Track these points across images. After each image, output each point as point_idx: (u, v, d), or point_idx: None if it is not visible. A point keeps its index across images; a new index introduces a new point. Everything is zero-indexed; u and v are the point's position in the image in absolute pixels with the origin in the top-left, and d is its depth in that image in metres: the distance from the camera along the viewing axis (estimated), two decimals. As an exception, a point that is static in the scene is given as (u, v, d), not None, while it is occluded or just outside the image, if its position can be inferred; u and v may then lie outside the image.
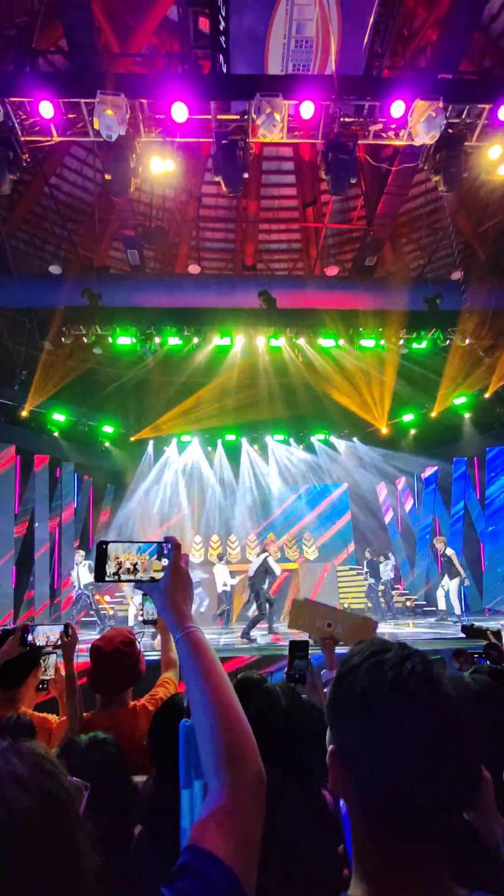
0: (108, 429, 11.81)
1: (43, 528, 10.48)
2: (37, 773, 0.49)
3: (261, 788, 0.69)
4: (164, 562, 0.92)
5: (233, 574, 10.37)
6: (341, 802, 0.72)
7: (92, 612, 9.38)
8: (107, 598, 11.40)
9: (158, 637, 2.66)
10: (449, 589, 9.07)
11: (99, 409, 11.18)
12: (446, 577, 9.15)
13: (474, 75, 7.77)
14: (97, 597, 9.83)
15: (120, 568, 0.94)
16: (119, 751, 1.44)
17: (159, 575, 0.91)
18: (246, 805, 0.66)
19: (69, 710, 1.95)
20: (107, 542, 0.95)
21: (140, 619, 2.27)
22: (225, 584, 9.93)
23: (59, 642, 2.09)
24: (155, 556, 0.94)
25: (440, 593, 9.33)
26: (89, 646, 2.05)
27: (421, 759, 0.58)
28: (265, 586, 8.45)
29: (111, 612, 11.00)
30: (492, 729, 1.22)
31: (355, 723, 0.63)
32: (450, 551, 9.11)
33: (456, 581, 8.99)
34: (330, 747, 0.68)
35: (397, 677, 0.62)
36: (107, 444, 12.13)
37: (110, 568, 0.94)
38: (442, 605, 9.33)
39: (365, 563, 10.90)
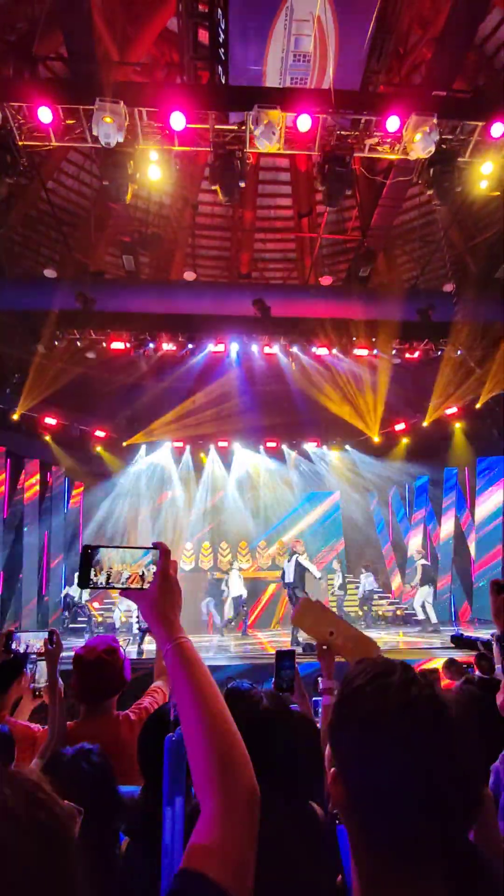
0: (100, 433, 11.75)
1: (32, 532, 10.36)
2: (30, 807, 0.46)
3: (255, 805, 0.66)
4: (153, 569, 0.87)
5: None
6: (339, 828, 0.71)
7: (83, 619, 9.25)
8: (95, 604, 11.28)
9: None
10: (423, 598, 9.17)
11: (91, 413, 11.13)
12: (428, 585, 9.22)
13: (468, 93, 7.95)
14: (88, 603, 9.73)
15: (107, 574, 0.89)
16: (106, 761, 1.42)
17: (146, 583, 0.87)
18: (240, 823, 0.63)
19: (51, 719, 1.92)
20: (92, 547, 0.90)
21: (136, 625, 2.25)
22: (239, 591, 9.85)
23: (43, 650, 2.06)
24: (143, 562, 0.89)
25: (417, 603, 9.39)
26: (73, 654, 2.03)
27: (426, 781, 0.58)
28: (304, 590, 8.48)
29: (100, 619, 10.88)
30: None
31: (359, 745, 0.63)
32: (425, 561, 9.25)
33: (428, 589, 9.09)
34: (332, 769, 0.67)
35: (404, 701, 0.61)
36: (98, 448, 12.06)
37: (95, 573, 0.89)
38: (421, 615, 9.40)
39: (338, 574, 11.02)
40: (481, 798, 0.65)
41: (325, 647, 1.64)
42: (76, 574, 9.17)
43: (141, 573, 0.90)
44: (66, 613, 9.35)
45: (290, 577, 8.40)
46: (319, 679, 1.70)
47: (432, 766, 0.58)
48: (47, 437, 10.82)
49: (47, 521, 10.97)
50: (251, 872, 0.61)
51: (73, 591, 9.31)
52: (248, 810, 0.65)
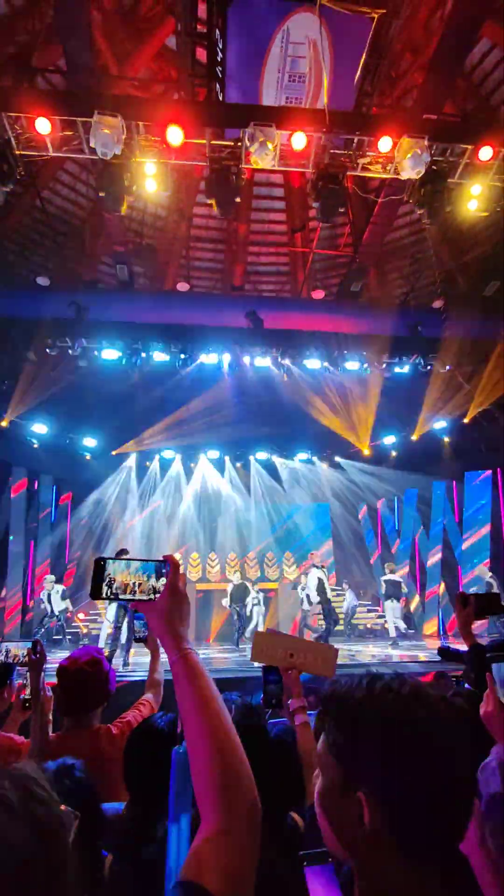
0: (89, 442, 11.67)
1: (18, 541, 10.20)
2: (28, 800, 0.48)
3: (256, 819, 0.66)
4: (162, 581, 0.90)
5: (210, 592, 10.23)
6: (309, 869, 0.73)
7: (61, 636, 9.05)
8: (80, 615, 11.09)
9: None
10: (390, 612, 9.20)
11: (81, 422, 11.06)
12: (392, 600, 9.26)
13: (457, 117, 8.20)
14: (75, 615, 9.56)
15: (117, 586, 0.91)
16: (89, 777, 1.39)
17: (155, 595, 0.89)
18: (240, 837, 0.63)
19: (32, 730, 1.89)
20: (104, 559, 0.93)
21: (136, 636, 2.22)
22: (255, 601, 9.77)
23: (27, 659, 2.03)
24: (152, 576, 0.91)
25: (389, 617, 9.38)
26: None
27: (448, 762, 0.62)
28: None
29: (85, 631, 10.69)
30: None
31: (380, 745, 0.64)
32: (397, 577, 9.32)
33: (393, 604, 9.15)
34: (327, 779, 0.68)
35: (415, 692, 0.65)
36: (88, 457, 11.96)
37: (107, 586, 0.91)
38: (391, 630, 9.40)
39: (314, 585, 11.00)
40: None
41: (288, 670, 1.67)
42: (62, 593, 9.03)
43: (143, 584, 0.92)
44: (40, 627, 9.11)
45: (314, 596, 8.43)
46: (290, 701, 1.71)
47: (452, 747, 0.62)
48: (36, 445, 10.71)
49: (34, 529, 10.81)
50: (251, 886, 0.61)
51: (60, 609, 9.13)
52: (250, 824, 0.65)
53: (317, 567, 8.73)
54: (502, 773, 1.14)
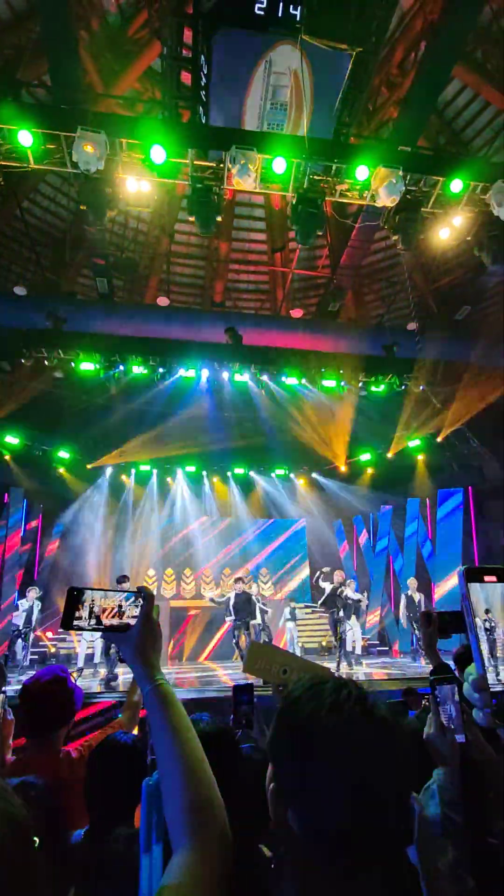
0: (63, 454, 11.45)
1: (-15, 556, 9.85)
2: (3, 802, 0.48)
3: (228, 847, 0.67)
4: (134, 611, 0.90)
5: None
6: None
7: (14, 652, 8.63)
8: (49, 633, 10.72)
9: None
10: (353, 629, 9.28)
11: (55, 434, 10.85)
12: (353, 619, 9.32)
13: (430, 150, 8.59)
14: (39, 633, 9.20)
15: (90, 616, 0.91)
16: (50, 798, 1.34)
17: (126, 625, 0.90)
18: (213, 864, 0.64)
19: None
20: (77, 589, 0.93)
21: (118, 656, 2.16)
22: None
23: None
24: (125, 605, 0.92)
25: (349, 635, 9.41)
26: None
27: (358, 778, 0.60)
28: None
29: (52, 651, 10.33)
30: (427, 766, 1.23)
31: (296, 751, 0.64)
32: (356, 595, 9.45)
33: (352, 621, 9.26)
34: (270, 785, 0.67)
35: (335, 703, 0.64)
36: (61, 470, 11.72)
37: (79, 615, 0.91)
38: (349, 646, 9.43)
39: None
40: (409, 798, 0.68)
41: (281, 687, 1.64)
42: (36, 601, 8.69)
43: (119, 608, 0.92)
44: (8, 648, 8.72)
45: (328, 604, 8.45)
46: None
47: (362, 762, 0.60)
48: (7, 457, 10.44)
49: (1, 543, 10.46)
50: None
51: (34, 617, 8.77)
52: (222, 853, 0.66)
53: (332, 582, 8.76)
54: (440, 796, 1.12)
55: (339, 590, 9.09)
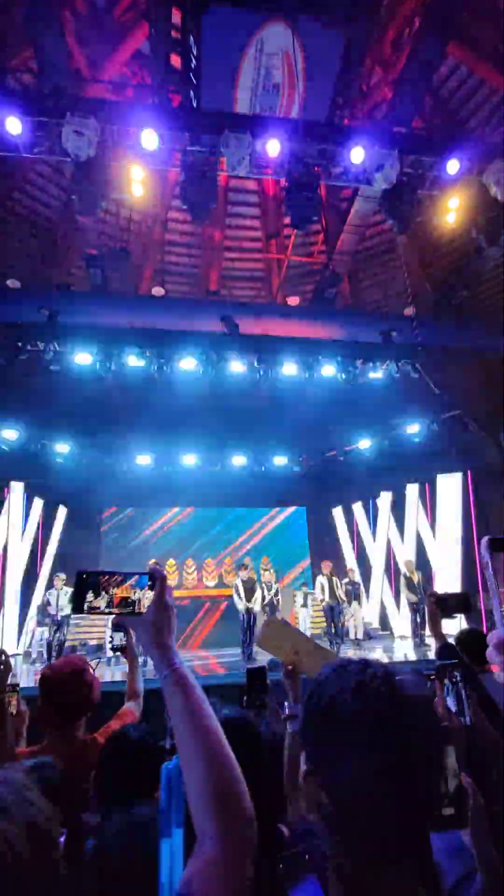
0: (62, 448, 11.42)
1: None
2: (19, 801, 0.49)
3: (252, 834, 0.67)
4: (149, 594, 0.87)
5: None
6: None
7: (50, 643, 8.66)
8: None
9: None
10: (355, 615, 9.37)
11: (54, 427, 10.81)
12: (355, 604, 9.40)
13: (425, 131, 8.47)
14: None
15: (101, 600, 0.89)
16: (61, 777, 1.36)
17: (141, 608, 0.87)
18: (238, 852, 0.64)
19: None
20: (87, 572, 0.90)
21: (113, 646, 2.18)
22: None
23: None
24: (137, 588, 0.89)
25: (350, 620, 9.51)
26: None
27: (384, 755, 0.60)
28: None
29: (89, 641, 10.40)
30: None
31: (325, 734, 0.65)
32: (358, 580, 9.53)
33: (359, 607, 9.35)
34: (303, 768, 0.68)
35: (359, 683, 0.65)
36: (60, 463, 11.70)
37: (90, 599, 0.89)
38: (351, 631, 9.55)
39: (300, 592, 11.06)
40: (437, 774, 0.68)
41: (290, 667, 1.63)
42: (65, 587, 8.66)
43: (129, 597, 0.89)
44: (46, 634, 8.70)
45: (327, 598, 8.56)
46: (286, 703, 1.68)
47: (388, 743, 0.61)
48: (6, 451, 10.41)
49: (3, 538, 10.48)
50: None
51: (63, 605, 8.73)
52: (246, 837, 0.66)
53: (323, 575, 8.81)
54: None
55: (332, 580, 9.19)
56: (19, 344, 8.49)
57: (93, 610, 0.89)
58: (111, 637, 2.28)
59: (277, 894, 1.03)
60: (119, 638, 2.20)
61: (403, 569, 9.72)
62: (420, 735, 0.62)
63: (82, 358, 8.86)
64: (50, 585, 9.17)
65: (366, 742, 0.61)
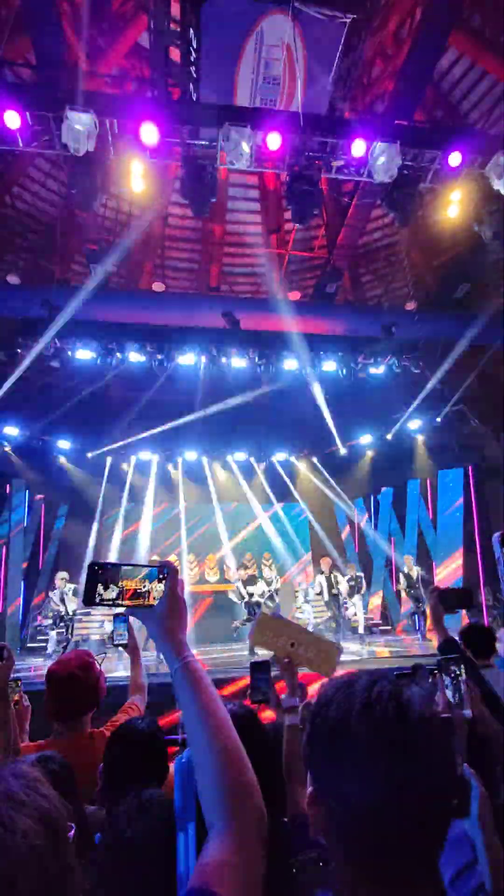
0: (63, 445, 11.43)
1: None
2: (33, 794, 0.50)
3: (263, 826, 0.67)
4: (160, 587, 0.87)
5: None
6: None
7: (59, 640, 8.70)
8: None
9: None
10: (356, 605, 9.39)
11: (54, 424, 10.81)
12: (357, 598, 9.42)
13: (427, 124, 8.39)
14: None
15: (112, 592, 0.88)
16: (67, 770, 1.36)
17: (152, 601, 0.86)
18: (250, 844, 0.64)
19: (2, 738, 1.83)
20: (98, 564, 0.89)
21: (110, 641, 2.18)
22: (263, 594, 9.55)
23: None
24: (148, 581, 0.88)
25: (351, 612, 9.54)
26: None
27: (393, 779, 0.57)
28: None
29: (95, 635, 10.45)
30: None
31: (330, 755, 0.62)
32: (360, 575, 9.57)
33: (359, 600, 9.38)
34: (309, 789, 0.66)
35: (366, 702, 0.61)
36: (62, 459, 11.71)
37: (101, 592, 0.88)
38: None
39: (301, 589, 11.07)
40: (451, 794, 0.65)
41: (287, 660, 1.61)
42: (75, 591, 8.67)
43: (140, 590, 0.88)
44: (51, 630, 8.73)
45: (326, 596, 8.64)
46: (283, 697, 1.66)
47: (397, 763, 0.57)
48: (7, 448, 10.43)
49: (5, 535, 10.51)
50: (259, 893, 0.62)
51: (74, 609, 8.77)
52: (258, 831, 0.66)
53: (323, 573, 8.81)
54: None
55: (332, 577, 9.20)
56: (19, 340, 8.48)
57: (104, 602, 0.88)
58: (111, 631, 2.26)
59: (289, 888, 1.03)
60: (121, 632, 2.20)
61: (403, 565, 9.75)
62: (431, 756, 0.59)
63: (83, 354, 8.84)
64: (53, 587, 9.20)
65: (374, 764, 0.58)
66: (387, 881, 0.58)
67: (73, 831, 0.56)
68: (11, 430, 10.15)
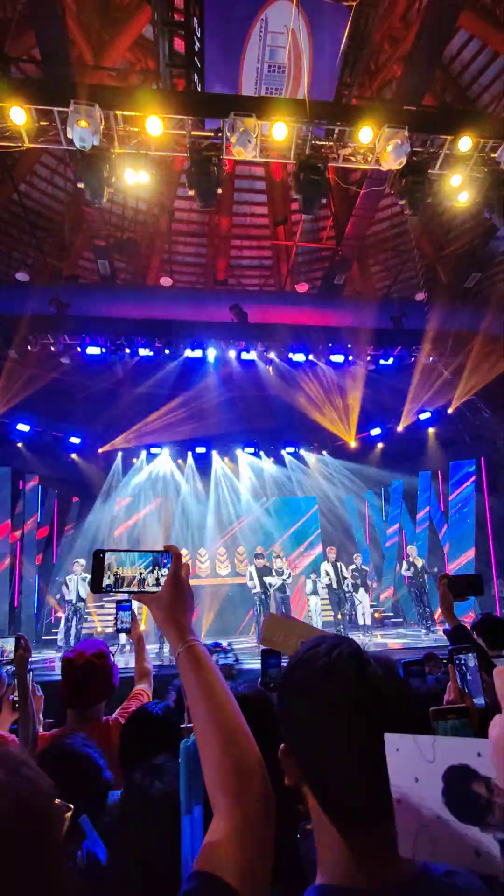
0: (75, 440, 11.53)
1: (3, 541, 10.07)
2: (13, 778, 0.48)
3: (270, 808, 0.67)
4: (164, 572, 0.88)
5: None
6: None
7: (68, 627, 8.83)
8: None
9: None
10: (362, 602, 9.34)
11: (66, 419, 10.91)
12: (361, 591, 9.39)
13: (436, 108, 8.24)
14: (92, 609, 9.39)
15: (117, 578, 0.89)
16: (93, 748, 1.39)
17: (157, 588, 0.88)
18: (255, 825, 0.64)
19: (21, 727, 1.86)
20: (104, 551, 0.90)
21: (119, 627, 2.21)
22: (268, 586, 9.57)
23: (12, 655, 2.00)
24: (153, 567, 0.90)
25: (359, 607, 9.52)
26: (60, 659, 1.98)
27: (354, 734, 0.62)
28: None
29: (100, 630, 10.60)
30: None
31: (297, 714, 0.66)
32: (365, 568, 9.54)
33: (364, 593, 9.35)
34: (281, 745, 0.69)
35: (328, 663, 0.66)
36: (73, 455, 11.82)
37: (107, 578, 0.89)
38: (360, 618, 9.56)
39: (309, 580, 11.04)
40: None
41: None
42: (83, 573, 8.79)
43: (145, 576, 0.90)
44: (62, 621, 8.87)
45: (335, 585, 8.67)
46: None
47: (357, 719, 0.62)
48: (19, 444, 10.55)
49: (19, 529, 10.67)
50: (266, 875, 0.62)
51: (81, 589, 8.88)
52: (263, 814, 0.66)
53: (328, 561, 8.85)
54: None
55: (338, 565, 9.19)
56: (29, 337, 8.55)
57: (109, 588, 0.90)
58: (122, 619, 2.29)
59: (294, 853, 1.05)
60: (124, 619, 2.22)
61: (410, 557, 9.73)
62: (389, 715, 0.62)
63: (92, 350, 8.89)
64: (69, 571, 9.30)
65: (336, 722, 0.62)
66: (353, 820, 0.62)
67: (69, 812, 0.55)
68: (24, 427, 10.27)
